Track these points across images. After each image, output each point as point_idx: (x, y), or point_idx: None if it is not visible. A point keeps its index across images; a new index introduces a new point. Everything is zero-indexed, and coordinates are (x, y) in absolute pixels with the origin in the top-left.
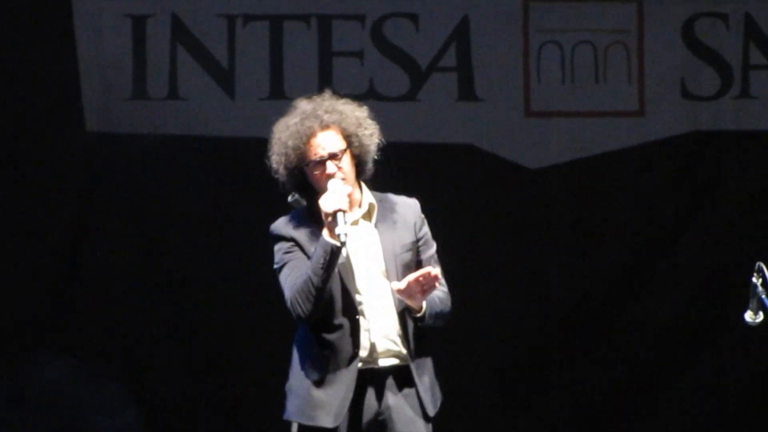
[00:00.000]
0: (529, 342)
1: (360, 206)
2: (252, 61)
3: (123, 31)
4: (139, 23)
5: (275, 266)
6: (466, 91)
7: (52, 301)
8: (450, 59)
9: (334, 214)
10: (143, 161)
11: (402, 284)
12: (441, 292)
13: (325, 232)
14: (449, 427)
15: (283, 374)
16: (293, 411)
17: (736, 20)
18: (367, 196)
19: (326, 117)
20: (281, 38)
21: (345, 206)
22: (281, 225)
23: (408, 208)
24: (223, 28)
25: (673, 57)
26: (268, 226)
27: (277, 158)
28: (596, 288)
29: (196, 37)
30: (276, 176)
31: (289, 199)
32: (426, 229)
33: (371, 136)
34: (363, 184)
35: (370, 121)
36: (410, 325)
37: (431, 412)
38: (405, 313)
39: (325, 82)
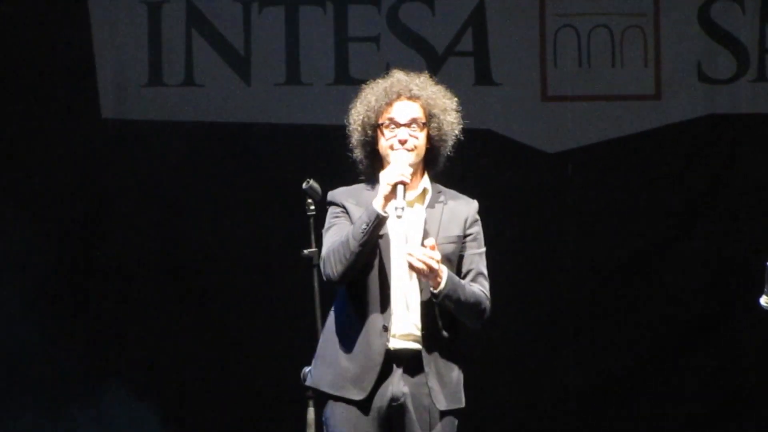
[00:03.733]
0: (544, 325)
1: (415, 188)
2: (268, 47)
3: (138, 17)
4: (154, 10)
5: (323, 231)
6: (483, 76)
7: (68, 289)
8: (467, 44)
9: (395, 186)
10: (159, 148)
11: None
12: (478, 288)
13: (377, 201)
14: (468, 401)
15: (297, 358)
16: (322, 380)
17: (753, 3)
18: (425, 182)
19: (416, 89)
20: (297, 24)
21: (407, 179)
22: (338, 192)
23: (464, 204)
24: (238, 14)
25: (689, 41)
26: (283, 210)
27: (357, 115)
28: (611, 271)
29: (211, 23)
30: (349, 133)
31: (304, 185)
32: (477, 229)
33: (452, 125)
34: (426, 172)
35: (456, 113)
36: (437, 313)
37: (442, 405)
38: (430, 300)
39: (341, 67)
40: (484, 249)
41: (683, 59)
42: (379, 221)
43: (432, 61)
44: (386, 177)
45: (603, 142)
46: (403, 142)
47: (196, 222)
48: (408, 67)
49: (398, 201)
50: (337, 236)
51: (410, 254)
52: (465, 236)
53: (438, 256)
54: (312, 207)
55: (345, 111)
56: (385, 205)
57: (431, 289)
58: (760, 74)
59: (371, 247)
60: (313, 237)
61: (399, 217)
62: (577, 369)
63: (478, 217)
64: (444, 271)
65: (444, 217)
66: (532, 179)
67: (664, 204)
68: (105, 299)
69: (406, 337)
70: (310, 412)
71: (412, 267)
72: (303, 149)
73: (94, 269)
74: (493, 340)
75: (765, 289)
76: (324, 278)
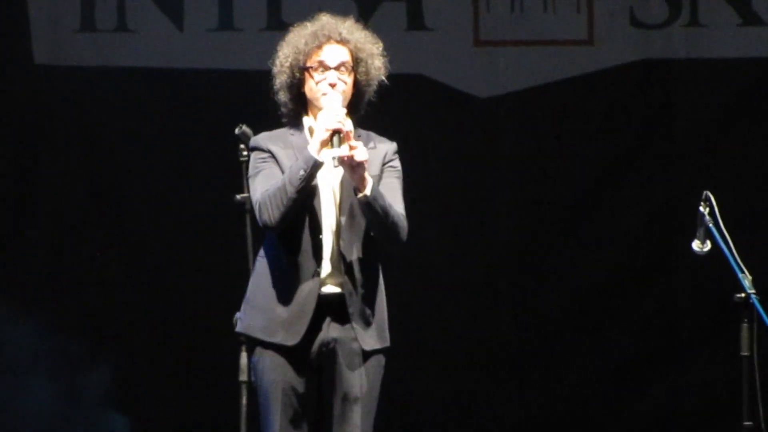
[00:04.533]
0: (477, 275)
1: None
2: None
3: None
4: None
5: (248, 175)
6: (415, 21)
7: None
8: None
9: (332, 133)
10: (92, 94)
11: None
12: (397, 209)
13: (311, 145)
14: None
15: (230, 304)
16: (253, 325)
17: None
18: (349, 125)
19: (344, 33)
20: None
21: (345, 127)
22: (261, 137)
23: (383, 145)
24: None
25: None
26: (215, 158)
27: (283, 58)
28: (546, 218)
29: None
30: (275, 81)
31: (236, 131)
32: (395, 164)
33: (378, 70)
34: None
35: (382, 58)
36: (357, 252)
37: (367, 346)
38: (352, 238)
39: (273, 12)
40: (400, 181)
41: (616, 4)
42: (316, 167)
43: (364, 6)
44: (323, 122)
45: (535, 87)
46: (333, 86)
47: (130, 168)
48: (340, 12)
49: (335, 150)
50: (267, 181)
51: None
52: (382, 171)
53: (363, 148)
54: (245, 152)
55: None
56: (319, 150)
57: (359, 192)
58: (693, 19)
59: (307, 193)
60: (245, 182)
61: (336, 166)
62: (512, 320)
63: (396, 155)
64: (368, 177)
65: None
66: (465, 124)
67: (597, 150)
68: (38, 246)
69: (335, 281)
70: (243, 357)
71: (342, 160)
72: (235, 95)
73: (25, 217)
74: (426, 289)
75: (697, 234)
76: (260, 224)
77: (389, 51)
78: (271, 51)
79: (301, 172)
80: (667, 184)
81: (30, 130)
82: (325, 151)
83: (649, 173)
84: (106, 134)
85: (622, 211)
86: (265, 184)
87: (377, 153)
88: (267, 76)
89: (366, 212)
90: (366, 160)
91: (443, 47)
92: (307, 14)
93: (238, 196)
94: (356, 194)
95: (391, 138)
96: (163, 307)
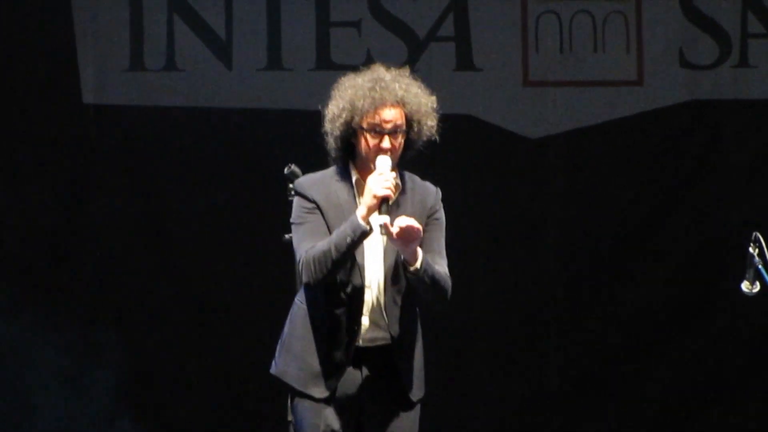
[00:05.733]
0: (525, 310)
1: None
2: (249, 32)
3: (120, 2)
4: None
5: (292, 221)
6: (465, 61)
7: (49, 277)
8: (448, 29)
9: (380, 200)
10: (141, 133)
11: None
12: (441, 269)
13: (360, 211)
14: (446, 393)
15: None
16: (288, 372)
17: None
18: (397, 180)
19: (401, 93)
20: (279, 8)
21: (392, 194)
22: (307, 183)
23: (428, 194)
24: None
25: (671, 26)
26: (264, 195)
27: (337, 111)
28: (594, 257)
29: (192, 7)
30: (325, 125)
31: (285, 170)
32: (439, 214)
33: (430, 128)
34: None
35: (435, 115)
36: (399, 306)
37: (415, 396)
38: (395, 294)
39: (322, 52)
40: (443, 233)
41: (665, 45)
42: (364, 236)
43: (413, 47)
44: (373, 187)
45: (585, 127)
46: (386, 151)
47: (180, 208)
48: (389, 52)
49: (381, 217)
50: (311, 237)
51: (389, 225)
52: (426, 223)
53: (416, 222)
54: (293, 192)
55: (326, 96)
56: (367, 215)
57: (409, 266)
58: (742, 60)
59: (351, 256)
60: None
61: (383, 234)
62: (559, 357)
63: (440, 205)
64: (419, 251)
65: (407, 213)
66: (514, 165)
67: (646, 190)
68: (87, 289)
69: (375, 334)
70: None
71: (397, 235)
72: (284, 134)
73: (73, 257)
74: (473, 328)
75: (746, 275)
76: (301, 280)
77: (438, 91)
78: (320, 90)
79: (348, 240)
80: (715, 222)
81: (78, 170)
82: (373, 217)
83: (697, 212)
84: (155, 174)
85: (669, 251)
86: (309, 240)
87: (421, 203)
88: (316, 115)
89: (414, 282)
90: (419, 237)
91: (493, 87)
92: (356, 55)
93: (287, 236)
94: (406, 267)
95: (441, 179)
96: (213, 347)
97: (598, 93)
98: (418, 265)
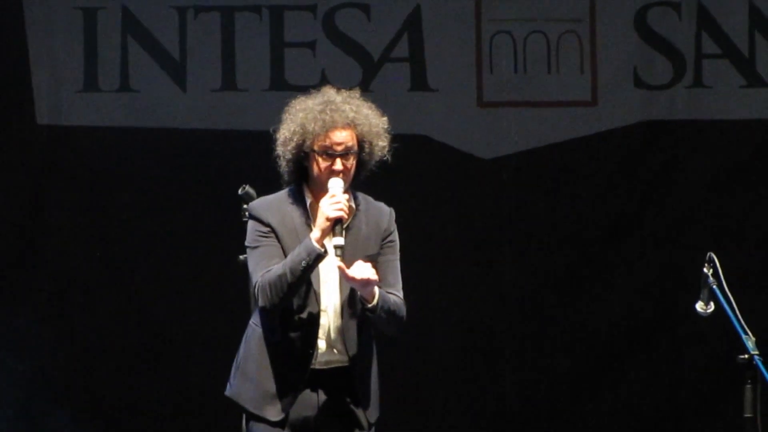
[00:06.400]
0: (481, 332)
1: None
2: (203, 53)
3: (74, 23)
4: (89, 15)
5: (247, 244)
6: (419, 82)
7: (5, 296)
8: (402, 49)
9: (333, 222)
10: (95, 153)
11: (353, 271)
12: (396, 297)
13: (314, 234)
14: (402, 413)
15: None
16: (243, 395)
17: (689, 9)
18: (351, 202)
19: (351, 115)
20: (233, 29)
21: (346, 215)
22: (262, 207)
23: (381, 216)
24: (174, 19)
25: (625, 46)
26: (218, 216)
27: (288, 134)
28: (549, 278)
29: (147, 29)
30: (277, 148)
31: (240, 191)
32: (393, 237)
33: (382, 149)
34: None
35: (386, 135)
36: (354, 329)
37: (372, 418)
38: (351, 317)
39: (277, 73)
40: (397, 256)
41: (619, 65)
42: (318, 259)
43: (368, 67)
44: (326, 210)
45: (539, 148)
46: (338, 173)
47: (132, 228)
48: (344, 73)
49: (336, 240)
50: (266, 261)
51: (346, 269)
52: (381, 246)
53: (372, 271)
54: (247, 213)
55: (280, 116)
56: (321, 238)
57: (365, 304)
58: (697, 80)
59: (307, 279)
60: None
61: (338, 256)
62: (515, 378)
63: (394, 226)
64: (376, 290)
65: (362, 235)
66: (469, 185)
67: (601, 209)
68: (39, 307)
69: (331, 357)
70: (244, 420)
71: (352, 279)
72: (238, 155)
73: (28, 277)
74: (429, 349)
75: (701, 295)
76: (257, 304)
77: (393, 111)
78: (275, 111)
79: (303, 263)
80: (671, 243)
81: (33, 190)
82: (327, 240)
83: (653, 233)
84: (110, 194)
85: (625, 271)
86: (265, 264)
87: (375, 224)
88: (270, 136)
89: (371, 318)
90: (375, 280)
91: (447, 108)
92: (310, 75)
93: (242, 257)
94: (363, 304)
95: (396, 199)
96: (166, 366)
97: (552, 113)
98: (375, 302)
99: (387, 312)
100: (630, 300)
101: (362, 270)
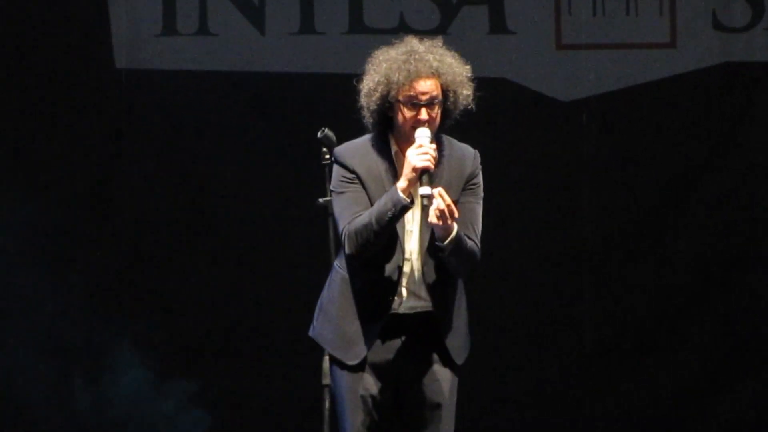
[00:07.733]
0: (560, 274)
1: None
2: None
3: None
4: None
5: (332, 188)
6: (498, 25)
7: (85, 243)
8: None
9: (420, 172)
10: (173, 97)
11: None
12: (472, 241)
13: (400, 184)
14: (479, 363)
15: (312, 306)
16: (324, 336)
17: None
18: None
19: (435, 64)
20: None
21: (432, 167)
22: (347, 153)
23: (466, 159)
24: None
25: None
26: (297, 160)
27: (372, 85)
28: (627, 220)
29: None
30: (361, 99)
31: (319, 134)
32: (477, 180)
33: (466, 97)
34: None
35: (470, 84)
36: (439, 276)
37: (459, 360)
38: (435, 264)
39: (355, 16)
40: (481, 201)
41: (698, 7)
42: (404, 210)
43: (446, 10)
44: (412, 160)
45: (617, 90)
46: (423, 122)
47: (212, 172)
48: (422, 16)
49: (423, 190)
50: (352, 208)
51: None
52: (464, 189)
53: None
54: (327, 156)
55: (359, 60)
56: (407, 188)
57: (439, 242)
58: None
59: (392, 229)
60: (328, 186)
61: (425, 205)
62: (594, 322)
63: (479, 169)
64: (454, 227)
65: (443, 183)
66: (547, 128)
67: (679, 151)
68: (121, 253)
69: (414, 303)
70: (325, 362)
71: (434, 214)
72: (317, 98)
73: (107, 219)
74: (508, 290)
75: None
76: (345, 251)
77: (472, 55)
78: (353, 54)
79: (389, 214)
80: (748, 185)
81: (111, 134)
82: (415, 190)
83: (730, 176)
84: (187, 138)
85: (703, 213)
86: (350, 210)
87: (459, 170)
88: (349, 79)
89: (442, 258)
90: (454, 220)
91: (526, 51)
92: (388, 19)
93: (321, 200)
94: (439, 241)
95: (474, 141)
96: (246, 307)
97: (630, 56)
98: (446, 242)
99: (461, 252)
100: (707, 242)
101: (443, 202)
